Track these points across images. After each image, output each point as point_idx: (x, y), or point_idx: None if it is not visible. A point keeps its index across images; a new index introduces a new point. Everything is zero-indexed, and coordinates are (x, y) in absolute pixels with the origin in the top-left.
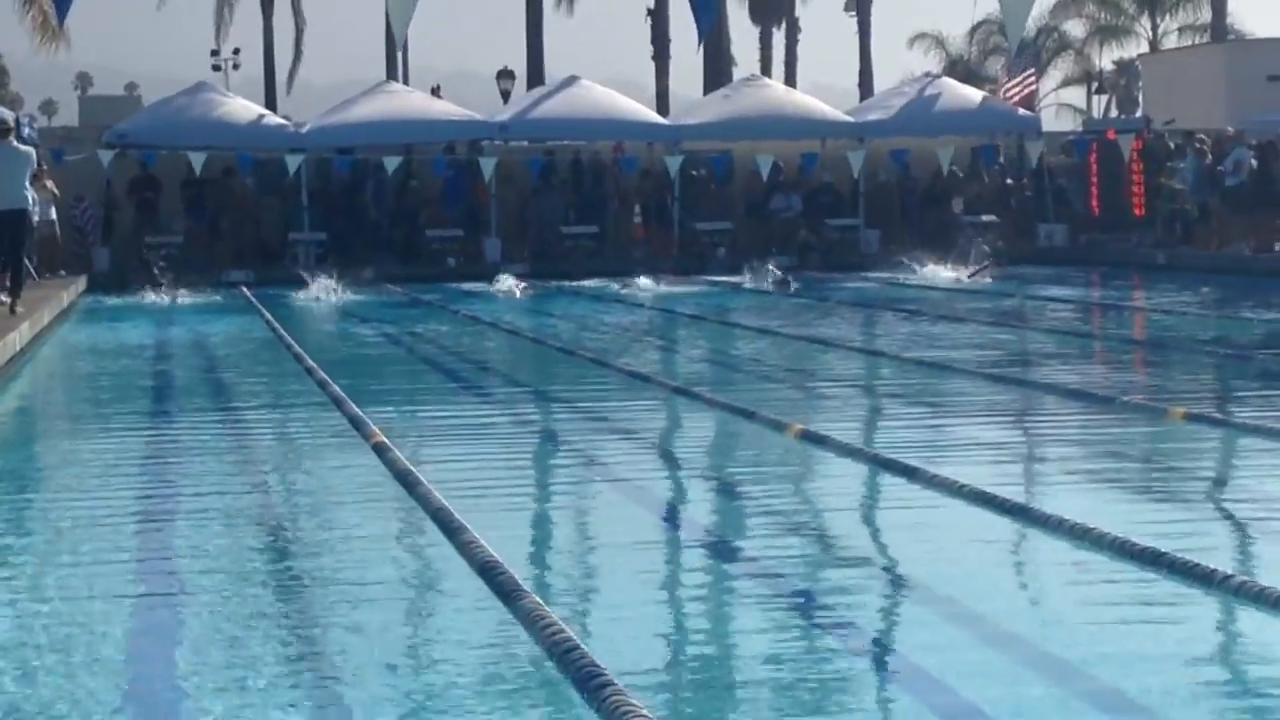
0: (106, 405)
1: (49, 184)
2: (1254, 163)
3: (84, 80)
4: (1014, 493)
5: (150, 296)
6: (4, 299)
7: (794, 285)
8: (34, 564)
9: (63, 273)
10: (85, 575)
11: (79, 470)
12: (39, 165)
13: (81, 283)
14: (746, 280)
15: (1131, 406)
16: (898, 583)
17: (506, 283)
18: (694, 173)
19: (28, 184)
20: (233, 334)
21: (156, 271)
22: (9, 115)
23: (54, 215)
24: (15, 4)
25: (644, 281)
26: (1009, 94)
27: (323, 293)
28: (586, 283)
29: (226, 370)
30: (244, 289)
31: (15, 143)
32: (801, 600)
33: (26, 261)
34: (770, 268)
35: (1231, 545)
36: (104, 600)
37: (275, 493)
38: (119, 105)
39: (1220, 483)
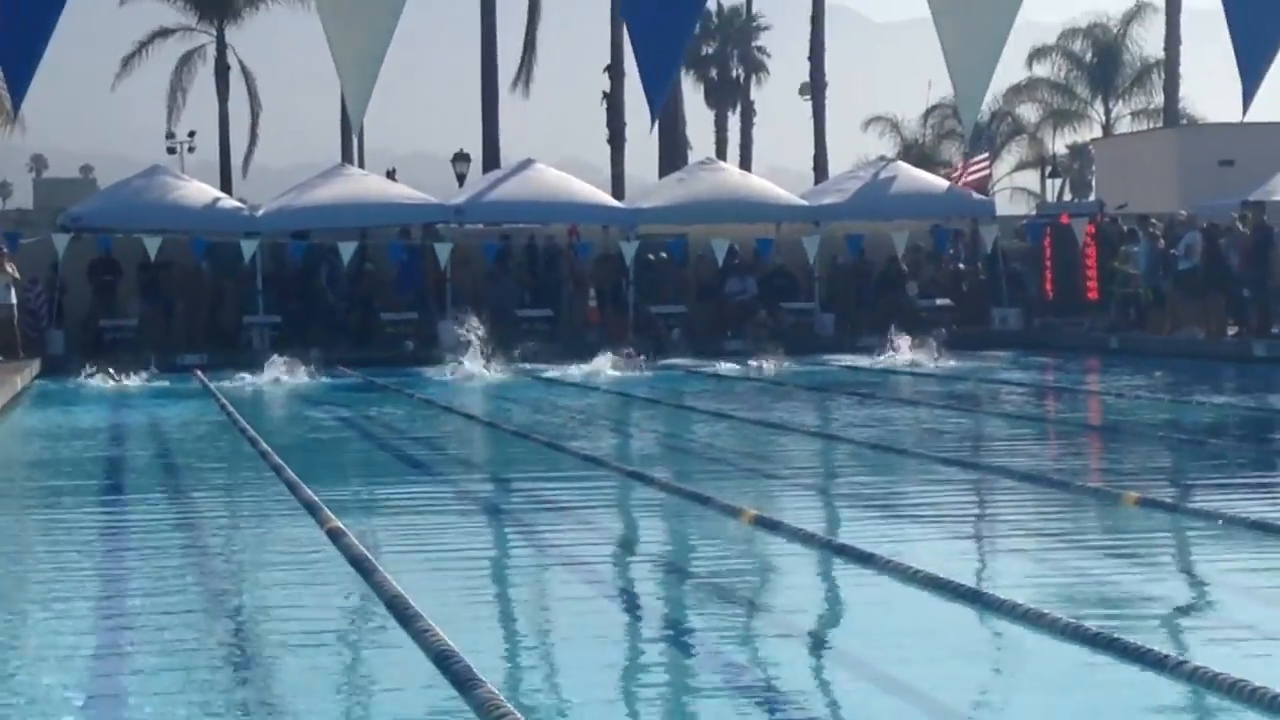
0: (58, 491)
1: (9, 268)
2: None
3: (39, 163)
4: (968, 577)
5: (104, 380)
6: None
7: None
8: None
9: (22, 355)
10: (31, 666)
11: (27, 559)
12: (7, 248)
13: (35, 366)
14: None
15: (1085, 490)
16: (856, 669)
17: (467, 367)
18: (650, 257)
19: None
20: (187, 418)
21: (113, 354)
22: None
23: (14, 299)
24: None
25: (605, 364)
26: (965, 179)
27: (277, 376)
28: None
29: (180, 455)
30: (198, 372)
31: None
32: (761, 690)
33: None
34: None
35: (1184, 629)
36: (50, 691)
37: (228, 579)
38: (74, 188)
39: (1173, 567)
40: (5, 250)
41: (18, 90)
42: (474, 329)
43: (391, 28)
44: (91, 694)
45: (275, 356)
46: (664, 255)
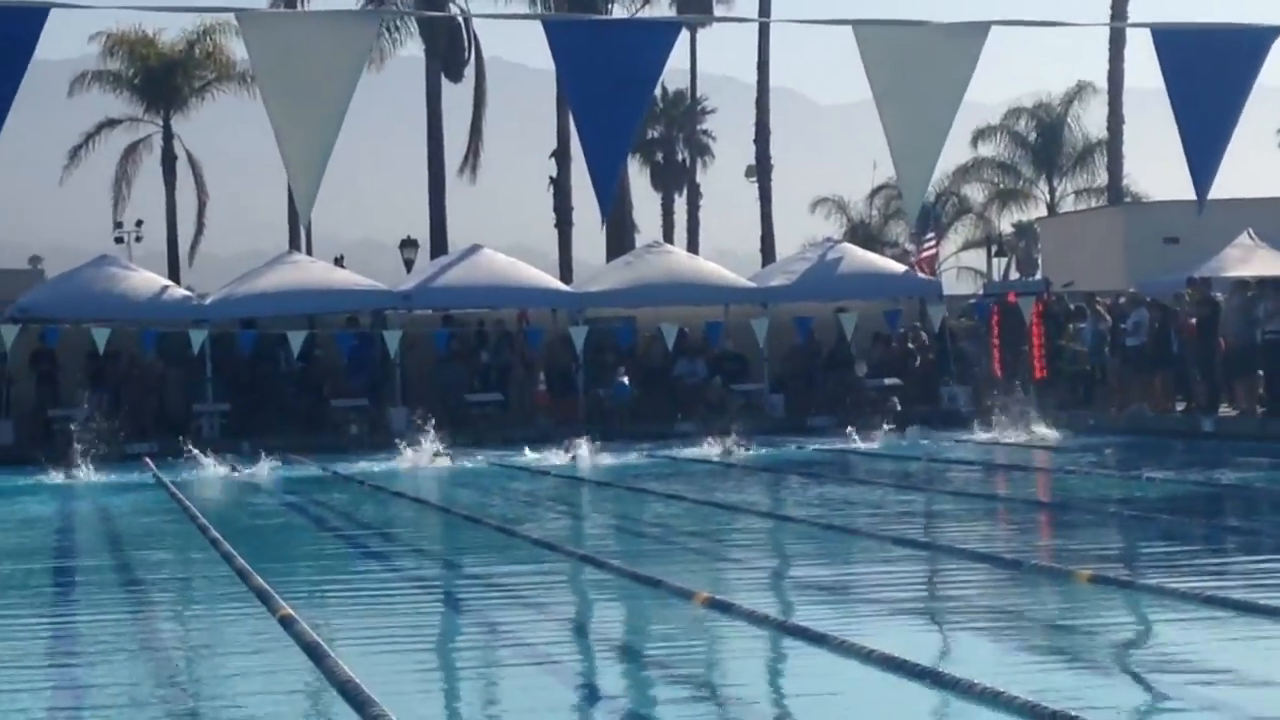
0: (6, 582)
1: None
2: (1155, 325)
3: None
4: (925, 657)
5: (53, 470)
6: None
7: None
8: None
9: None
10: None
11: None
12: None
13: None
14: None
15: (1037, 569)
16: None
17: (420, 453)
18: (605, 357)
19: None
20: (137, 507)
21: (61, 443)
22: None
23: None
24: None
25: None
26: (915, 260)
27: (227, 465)
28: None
29: (131, 544)
30: (148, 461)
31: None
32: None
33: None
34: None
35: (1138, 706)
36: None
37: (180, 667)
38: (22, 278)
39: (1126, 643)
40: None
41: None
42: (424, 417)
43: (339, 120)
44: None
45: (222, 446)
46: (613, 356)
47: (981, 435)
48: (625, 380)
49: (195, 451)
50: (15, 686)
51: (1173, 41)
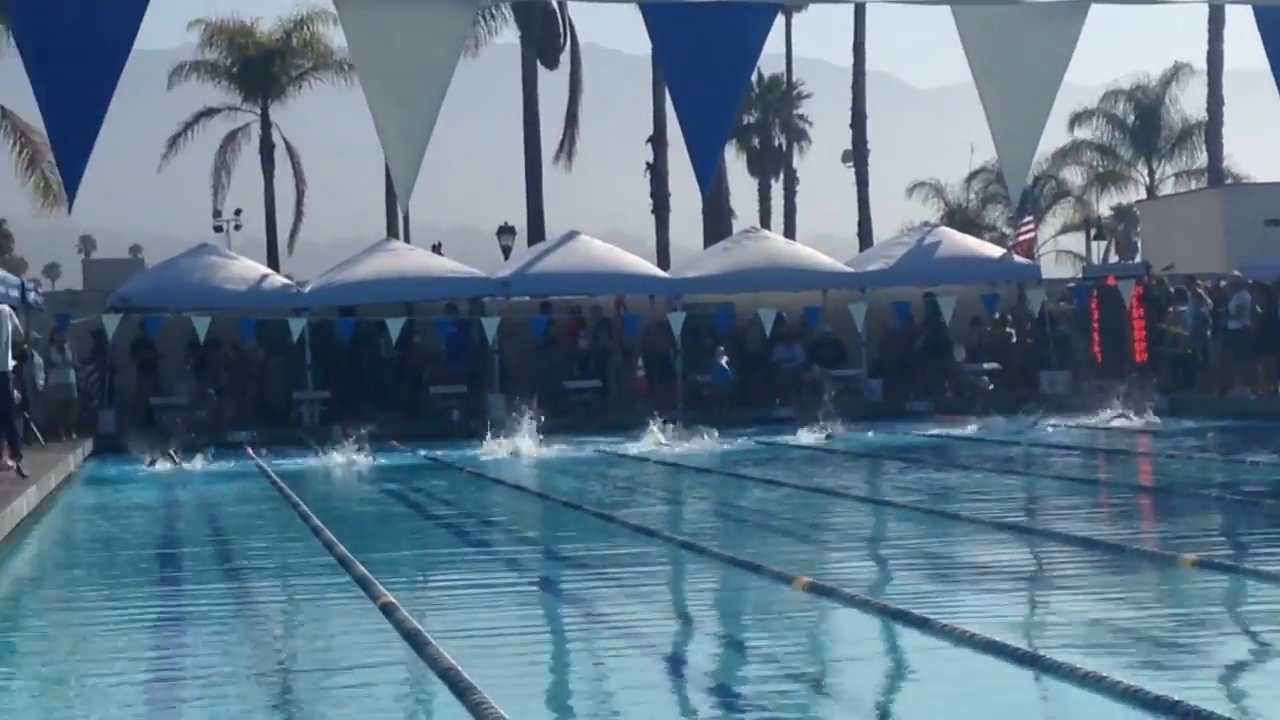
0: (112, 569)
1: (67, 347)
2: (1258, 307)
3: (87, 243)
4: (1026, 641)
5: (155, 458)
6: (9, 463)
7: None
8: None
9: (74, 436)
10: None
11: (85, 636)
12: (58, 329)
13: (88, 446)
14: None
15: (1140, 554)
16: None
17: (518, 442)
18: (703, 342)
19: (26, 347)
20: (238, 495)
21: (167, 433)
22: None
23: (72, 379)
24: (18, 169)
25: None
26: (1013, 243)
27: (329, 452)
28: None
29: (232, 531)
30: (249, 449)
31: None
32: None
33: (32, 425)
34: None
35: (1243, 693)
36: None
37: (282, 655)
38: (123, 268)
39: (1229, 629)
40: (69, 332)
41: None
42: (524, 404)
43: (437, 107)
44: None
45: (329, 429)
46: (710, 340)
47: (1081, 420)
48: (725, 364)
49: (296, 439)
50: (121, 672)
51: (1276, 19)
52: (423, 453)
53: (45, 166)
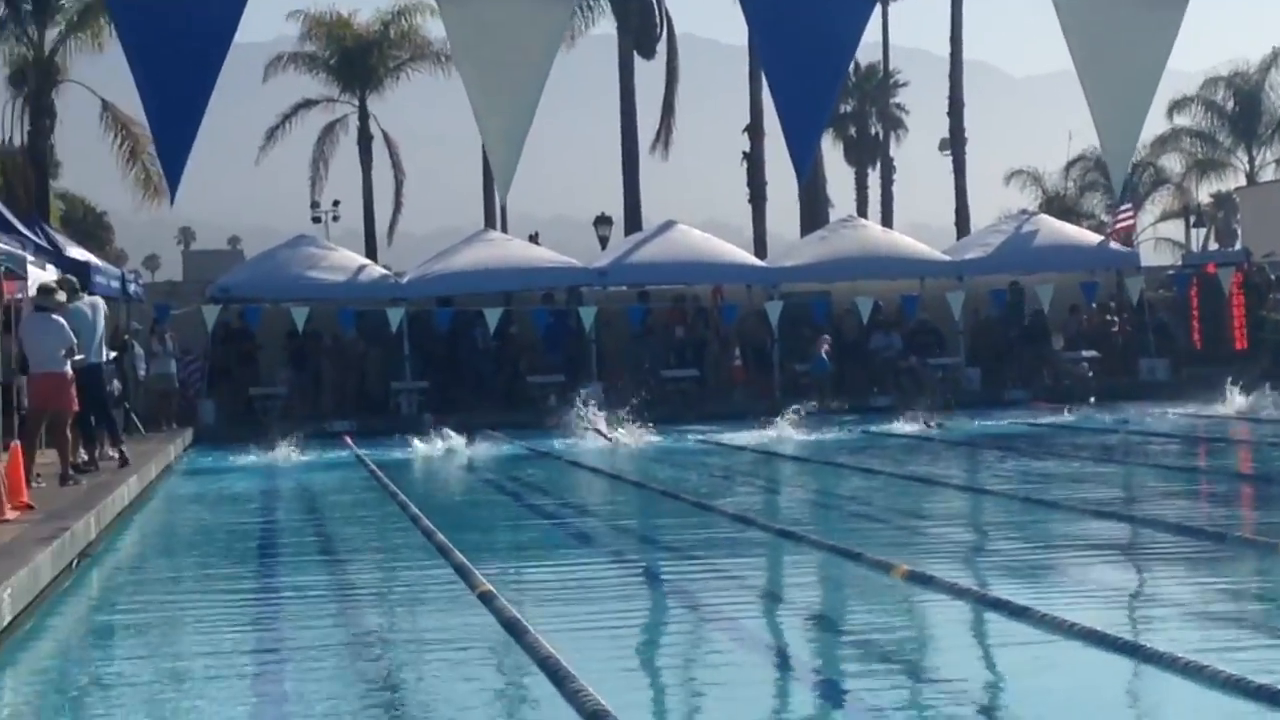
0: (212, 558)
1: (168, 337)
2: None
3: (187, 235)
4: (1126, 630)
5: (254, 449)
6: (112, 454)
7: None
8: (151, 705)
9: (174, 425)
10: (203, 714)
11: (188, 621)
12: (158, 320)
13: (188, 436)
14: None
15: (1241, 541)
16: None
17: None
18: (800, 331)
19: (127, 338)
20: (338, 485)
21: (263, 422)
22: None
23: (173, 369)
24: (119, 161)
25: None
26: (1111, 230)
27: (428, 441)
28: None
29: (332, 521)
30: (348, 438)
31: (87, 298)
32: None
33: (132, 415)
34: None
35: None
36: None
37: (382, 642)
38: (222, 259)
39: None
40: (169, 322)
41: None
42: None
43: (536, 98)
44: None
45: (427, 418)
46: (809, 331)
47: (1182, 407)
48: (826, 354)
49: (395, 429)
50: (224, 661)
51: None
52: (521, 442)
53: (146, 159)
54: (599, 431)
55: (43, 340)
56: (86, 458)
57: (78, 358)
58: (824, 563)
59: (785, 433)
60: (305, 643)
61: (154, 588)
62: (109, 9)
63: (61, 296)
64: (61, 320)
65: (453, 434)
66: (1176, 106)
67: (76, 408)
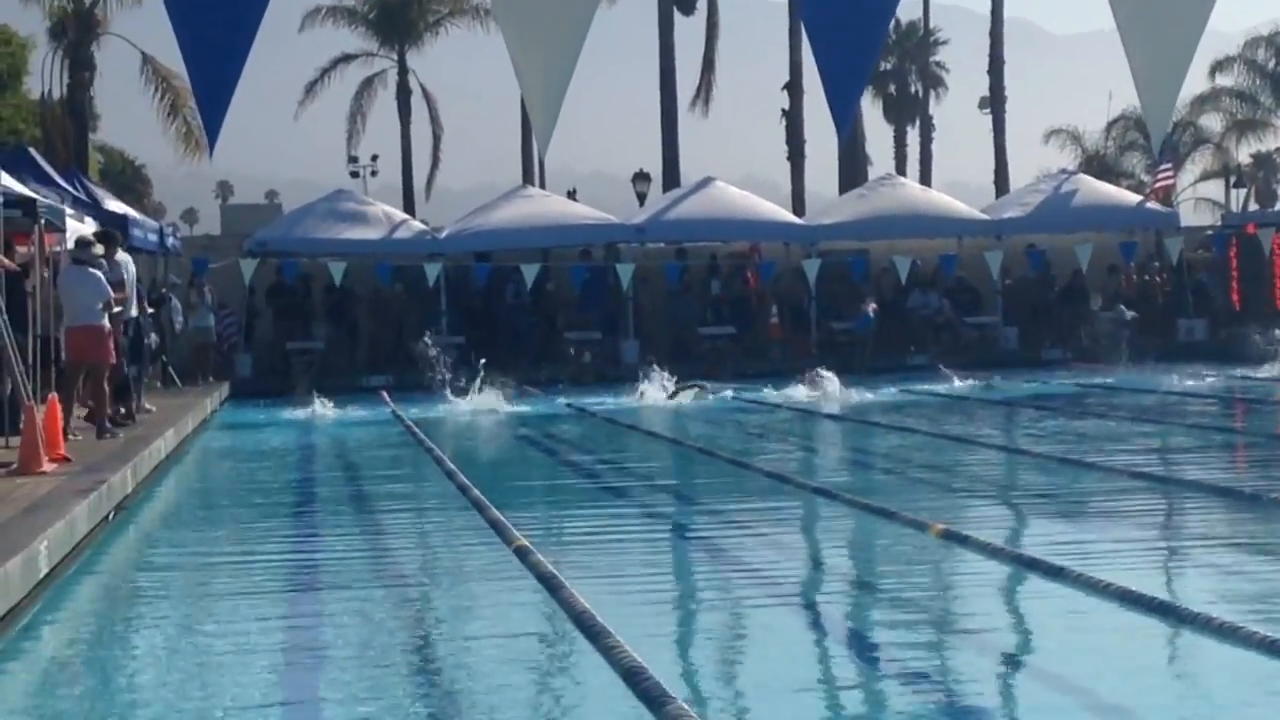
0: (248, 511)
1: (206, 291)
2: None
3: (225, 189)
4: (1161, 590)
5: (291, 402)
6: (149, 407)
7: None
8: (184, 658)
9: (211, 379)
10: (234, 666)
11: (222, 572)
12: (196, 274)
13: (225, 389)
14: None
15: (1278, 503)
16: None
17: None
18: (838, 289)
19: (165, 290)
20: (374, 439)
21: (305, 378)
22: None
23: (211, 323)
24: (160, 115)
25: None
26: (1151, 190)
27: (462, 397)
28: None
29: (368, 475)
30: (384, 393)
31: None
32: (950, 705)
33: (169, 369)
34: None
35: None
36: (249, 690)
37: (418, 596)
38: (260, 213)
39: None
40: (207, 276)
41: (212, 124)
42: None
43: (576, 54)
44: (287, 693)
45: (461, 374)
46: (847, 287)
47: (1221, 368)
48: (871, 311)
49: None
50: (261, 613)
51: None
52: (560, 400)
53: (187, 112)
54: (671, 388)
55: (80, 293)
56: (123, 411)
57: (117, 310)
58: (860, 521)
59: (826, 390)
60: (337, 596)
61: (190, 540)
62: None
63: (99, 249)
64: (99, 274)
65: (489, 389)
66: (1219, 66)
67: (114, 361)
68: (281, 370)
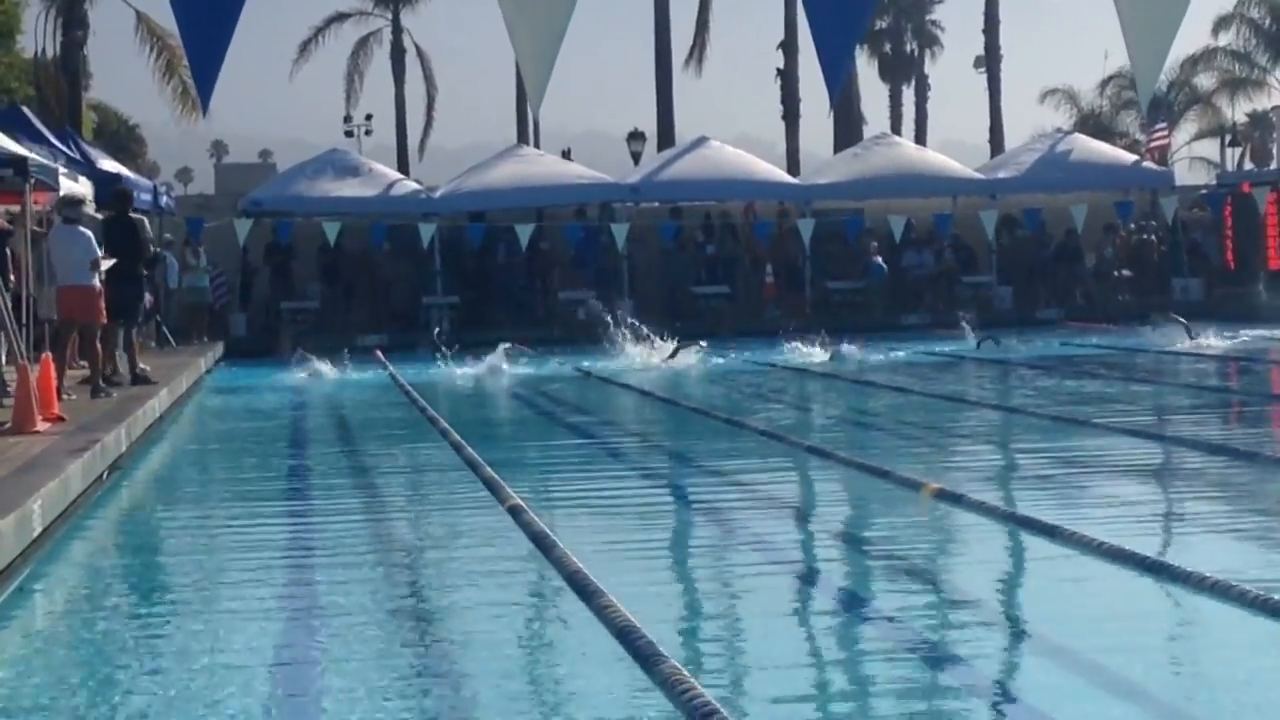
0: (242, 470)
1: (201, 251)
2: None
3: (219, 148)
4: (1155, 549)
5: (285, 362)
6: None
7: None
8: (178, 617)
9: (205, 339)
10: (227, 624)
11: (217, 531)
12: (190, 233)
13: (219, 349)
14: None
15: (1273, 461)
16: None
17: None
18: (831, 248)
19: (159, 250)
20: (367, 398)
21: (291, 337)
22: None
23: (206, 283)
24: (154, 75)
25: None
26: (1146, 149)
27: (456, 357)
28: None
29: (359, 437)
30: (378, 353)
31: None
32: (943, 664)
33: (163, 328)
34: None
35: None
36: (240, 649)
37: (411, 555)
38: (254, 172)
39: None
40: (200, 237)
41: (205, 84)
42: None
43: (569, 12)
44: (278, 651)
45: (455, 334)
46: (840, 246)
47: (1214, 327)
48: (880, 261)
49: (426, 343)
50: (254, 571)
51: None
52: (555, 360)
53: (182, 71)
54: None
55: (70, 252)
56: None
57: (105, 265)
58: (853, 480)
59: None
60: (330, 553)
61: (184, 500)
62: None
63: (90, 208)
64: (88, 232)
65: (483, 349)
66: (1222, 23)
67: (104, 320)
68: (276, 330)
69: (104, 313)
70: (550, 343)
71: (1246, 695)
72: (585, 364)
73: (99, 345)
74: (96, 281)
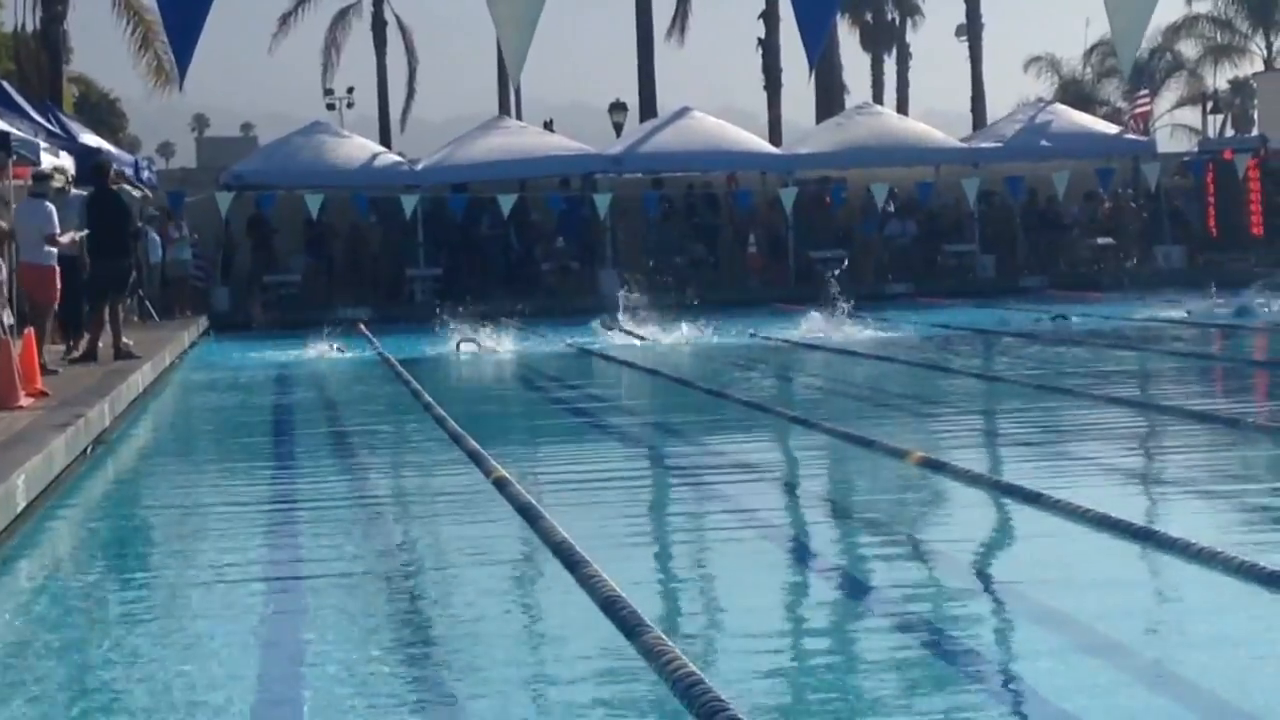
0: (227, 444)
1: (184, 225)
2: None
3: (200, 122)
4: (1140, 516)
5: (268, 335)
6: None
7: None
8: (163, 590)
9: (188, 313)
10: (212, 596)
11: (203, 505)
12: (172, 208)
13: (202, 323)
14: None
15: (1257, 428)
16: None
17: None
18: (824, 203)
19: (142, 224)
20: (350, 372)
21: (263, 310)
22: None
23: (188, 256)
24: (130, 48)
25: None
26: (1129, 117)
27: (440, 329)
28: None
29: (344, 410)
30: (361, 326)
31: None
32: (927, 629)
33: (146, 302)
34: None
35: None
36: (226, 621)
37: (394, 527)
38: (235, 146)
39: None
40: (182, 211)
41: (183, 57)
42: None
43: None
44: (263, 622)
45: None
46: (828, 200)
47: (1196, 294)
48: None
49: (409, 316)
50: (239, 543)
51: None
52: (539, 332)
53: (159, 46)
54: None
55: (28, 225)
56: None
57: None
58: (838, 449)
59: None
60: (315, 525)
61: (168, 474)
62: None
63: (59, 182)
64: (50, 206)
65: (466, 321)
66: None
67: (57, 301)
68: (258, 303)
69: (57, 294)
70: (534, 314)
71: (1227, 665)
72: (566, 333)
73: (47, 325)
74: (53, 261)
